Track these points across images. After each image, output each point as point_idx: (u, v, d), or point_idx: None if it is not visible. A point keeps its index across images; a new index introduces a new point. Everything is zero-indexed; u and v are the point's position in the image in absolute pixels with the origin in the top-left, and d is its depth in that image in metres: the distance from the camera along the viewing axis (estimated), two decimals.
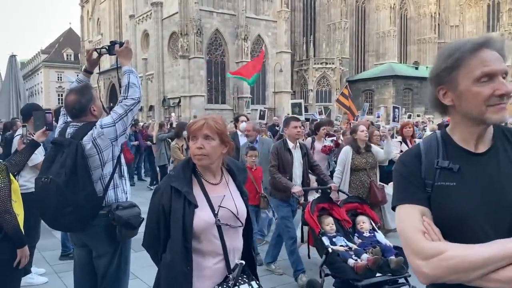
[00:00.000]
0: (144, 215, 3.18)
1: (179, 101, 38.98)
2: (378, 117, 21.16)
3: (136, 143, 13.73)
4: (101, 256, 3.16)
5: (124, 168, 3.40)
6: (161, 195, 2.08)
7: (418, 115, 29.64)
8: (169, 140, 11.55)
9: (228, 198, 2.11)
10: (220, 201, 2.07)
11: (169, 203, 2.01)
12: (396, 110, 12.38)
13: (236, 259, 2.08)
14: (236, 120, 6.96)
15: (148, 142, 14.24)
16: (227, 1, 41.54)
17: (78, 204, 2.94)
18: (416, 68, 51.39)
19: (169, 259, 2.01)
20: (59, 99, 68.24)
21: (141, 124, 17.70)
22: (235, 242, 2.13)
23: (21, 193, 3.64)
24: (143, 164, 15.17)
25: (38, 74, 78.18)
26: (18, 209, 3.36)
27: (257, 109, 13.67)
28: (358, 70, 53.96)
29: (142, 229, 3.32)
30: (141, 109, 46.51)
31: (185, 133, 6.39)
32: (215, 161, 2.11)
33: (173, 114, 22.72)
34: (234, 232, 2.13)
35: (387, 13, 53.77)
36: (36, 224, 4.89)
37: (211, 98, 41.05)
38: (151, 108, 43.98)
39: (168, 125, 14.01)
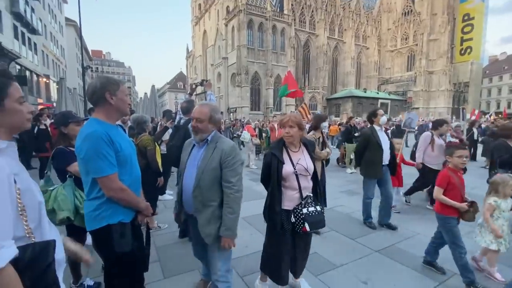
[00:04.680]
0: None
1: (235, 109, 39.13)
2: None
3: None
4: None
5: None
6: (266, 156, 2.08)
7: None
8: (229, 128, 11.41)
9: (302, 159, 2.00)
10: (297, 161, 1.98)
11: (270, 160, 2.00)
12: (464, 110, 9.97)
13: (307, 193, 2.00)
14: (373, 115, 3.71)
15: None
16: (262, 55, 40.66)
17: None
18: (365, 92, 49.20)
19: (270, 190, 2.01)
20: (175, 108, 69.54)
21: None
22: (306, 183, 2.01)
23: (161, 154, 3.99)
24: None
25: (165, 95, 79.70)
26: (159, 159, 3.69)
27: (279, 114, 11.19)
28: (332, 92, 51.94)
29: None
30: None
31: (324, 124, 3.85)
32: (296, 139, 2.02)
33: (232, 114, 22.93)
34: (305, 178, 2.00)
35: (349, 61, 51.33)
36: (169, 168, 4.81)
37: (252, 108, 40.72)
38: (221, 113, 44.36)
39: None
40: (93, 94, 1.47)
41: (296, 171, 1.95)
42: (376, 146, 3.60)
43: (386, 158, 3.65)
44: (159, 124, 5.27)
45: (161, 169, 3.56)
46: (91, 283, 2.31)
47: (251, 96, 40.53)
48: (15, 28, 18.83)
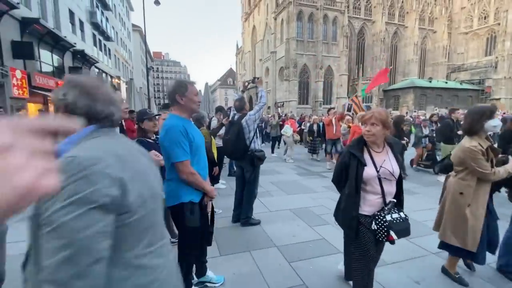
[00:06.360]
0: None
1: (283, 104, 38.98)
2: None
3: (261, 124, 13.56)
4: (247, 171, 3.48)
5: (258, 135, 3.54)
6: (344, 156, 1.87)
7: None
8: (279, 124, 10.87)
9: (387, 161, 1.77)
10: (382, 163, 1.75)
11: (348, 160, 1.80)
12: None
13: (390, 198, 1.79)
14: None
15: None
16: (311, 47, 39.48)
17: (239, 149, 3.32)
18: (430, 81, 43.90)
19: (347, 192, 1.83)
20: (225, 104, 72.32)
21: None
22: (390, 189, 1.78)
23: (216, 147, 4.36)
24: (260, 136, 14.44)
25: (216, 91, 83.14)
26: (214, 150, 4.07)
27: (328, 107, 9.18)
28: (390, 83, 47.74)
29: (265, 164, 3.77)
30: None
31: (491, 124, 2.12)
32: (379, 138, 1.76)
33: (279, 109, 23.02)
34: (390, 182, 1.78)
35: (411, 48, 46.30)
36: (222, 157, 5.00)
37: (300, 102, 40.06)
38: (269, 107, 44.78)
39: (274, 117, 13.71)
40: (169, 96, 1.81)
41: (379, 175, 1.74)
42: None
43: None
44: (212, 119, 5.63)
45: (216, 160, 3.94)
46: None
47: (299, 90, 39.93)
48: (93, 36, 22.00)
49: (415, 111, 20.47)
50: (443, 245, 2.47)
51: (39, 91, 12.28)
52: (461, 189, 2.27)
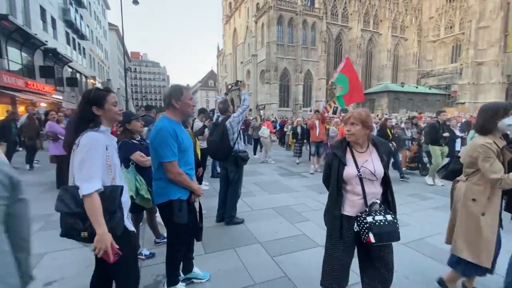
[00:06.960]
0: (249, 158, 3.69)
1: (264, 106, 39.28)
2: None
3: (243, 127, 13.28)
4: (231, 172, 3.56)
5: (241, 136, 3.65)
6: (328, 156, 1.87)
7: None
8: (258, 126, 10.57)
9: (369, 161, 1.72)
10: (363, 163, 1.71)
11: (331, 161, 1.80)
12: None
13: (373, 199, 1.70)
14: None
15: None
16: (291, 51, 40.32)
17: (223, 150, 3.41)
18: (402, 86, 46.39)
19: (330, 191, 1.81)
20: (206, 105, 71.24)
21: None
22: (372, 189, 1.71)
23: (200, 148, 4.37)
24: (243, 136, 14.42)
25: (197, 93, 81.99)
26: (198, 151, 4.07)
27: (307, 110, 9.48)
28: (366, 87, 49.62)
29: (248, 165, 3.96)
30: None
31: (507, 123, 1.82)
32: (359, 138, 1.74)
33: (262, 111, 23.23)
34: (372, 183, 1.71)
35: (385, 54, 48.79)
36: (205, 158, 5.04)
37: (281, 104, 40.57)
38: (250, 110, 44.93)
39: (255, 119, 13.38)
40: (165, 100, 1.90)
41: (360, 174, 1.70)
42: None
43: None
44: (194, 120, 5.68)
45: (199, 159, 3.96)
46: (147, 252, 2.80)
47: (280, 93, 40.52)
48: (67, 34, 21.03)
49: (386, 114, 21.53)
50: (452, 262, 2.16)
51: (7, 91, 11.58)
52: (473, 195, 1.99)
